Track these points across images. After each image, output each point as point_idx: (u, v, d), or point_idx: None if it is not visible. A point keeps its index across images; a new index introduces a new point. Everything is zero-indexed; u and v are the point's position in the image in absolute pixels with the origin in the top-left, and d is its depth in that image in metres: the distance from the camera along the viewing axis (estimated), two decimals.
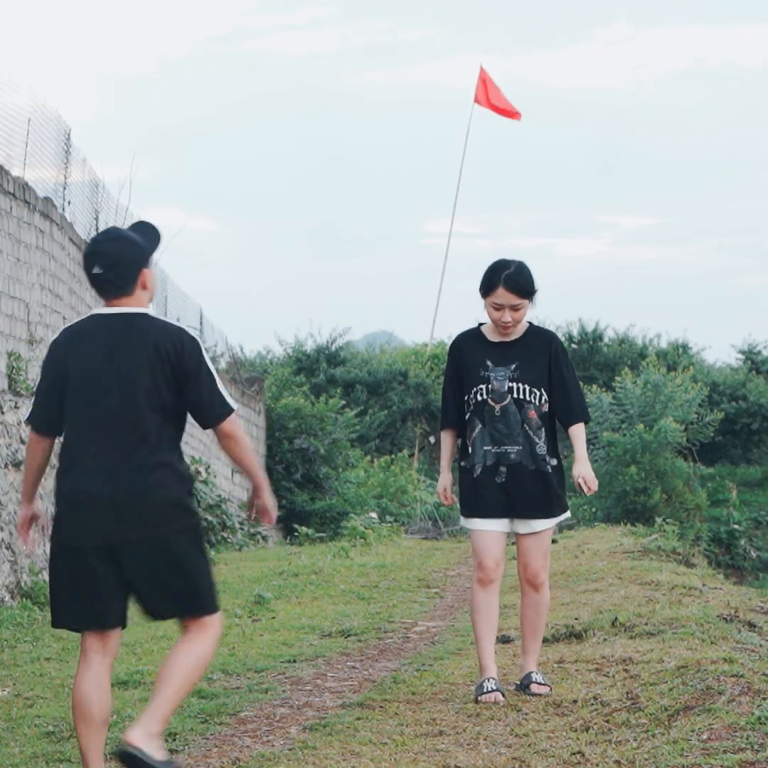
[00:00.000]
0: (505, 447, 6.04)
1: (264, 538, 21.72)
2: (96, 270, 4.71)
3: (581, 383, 6.32)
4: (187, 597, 4.61)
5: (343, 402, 29.54)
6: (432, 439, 33.44)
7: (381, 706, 5.91)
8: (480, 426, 6.08)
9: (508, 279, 6.03)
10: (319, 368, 36.90)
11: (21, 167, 12.95)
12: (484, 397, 6.06)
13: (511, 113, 30.79)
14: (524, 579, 6.15)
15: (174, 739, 5.43)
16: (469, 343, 6.20)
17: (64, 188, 15.26)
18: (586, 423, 6.22)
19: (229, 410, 4.69)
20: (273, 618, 9.27)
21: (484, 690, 5.94)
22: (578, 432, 6.13)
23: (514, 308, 6.05)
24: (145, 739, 4.45)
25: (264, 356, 39.86)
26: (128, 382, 4.62)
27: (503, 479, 6.04)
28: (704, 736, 4.87)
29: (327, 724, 5.57)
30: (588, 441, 34.91)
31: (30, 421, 4.79)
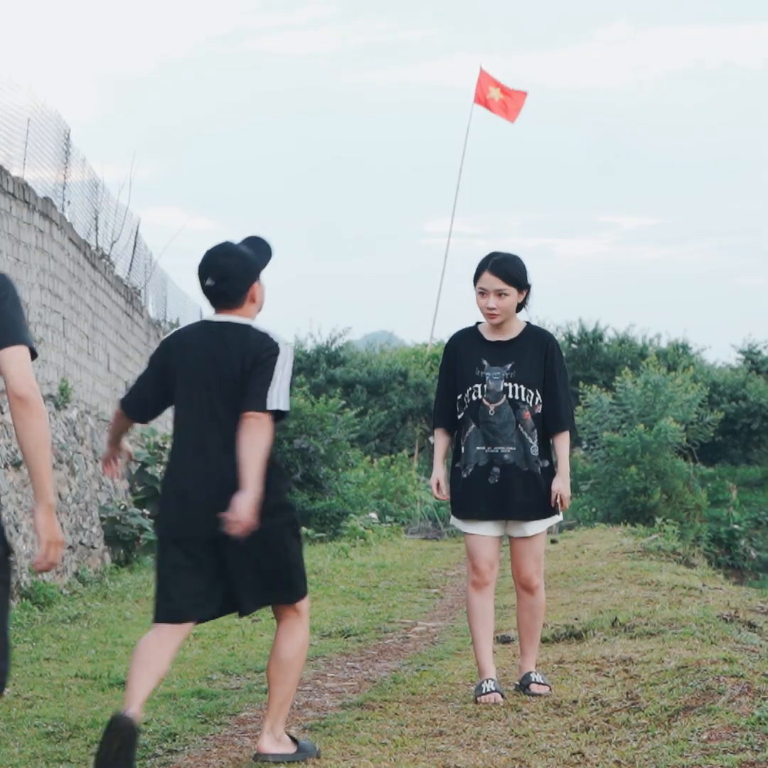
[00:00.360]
0: (499, 448, 6.01)
1: None
2: (208, 282, 5.03)
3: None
4: (285, 585, 4.99)
5: (343, 402, 29.54)
6: (432, 440, 33.48)
7: (381, 707, 5.90)
8: (473, 426, 6.05)
9: (494, 264, 6.02)
10: (319, 368, 36.92)
11: (21, 167, 12.94)
12: (479, 396, 6.03)
13: (515, 99, 30.61)
14: (518, 583, 6.14)
15: (174, 739, 5.43)
16: (466, 341, 6.16)
17: (64, 188, 15.25)
18: (571, 432, 6.20)
19: (262, 407, 4.83)
20: (273, 618, 9.25)
21: (484, 691, 5.93)
22: (563, 443, 6.08)
23: (499, 294, 5.99)
24: (276, 743, 4.98)
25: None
26: (227, 388, 4.92)
27: (496, 480, 6.00)
28: (704, 737, 4.86)
29: (327, 724, 5.56)
30: (588, 441, 34.57)
31: (121, 401, 5.17)
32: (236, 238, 5.20)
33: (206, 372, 4.97)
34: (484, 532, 6.05)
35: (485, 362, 6.04)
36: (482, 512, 6.02)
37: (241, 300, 5.06)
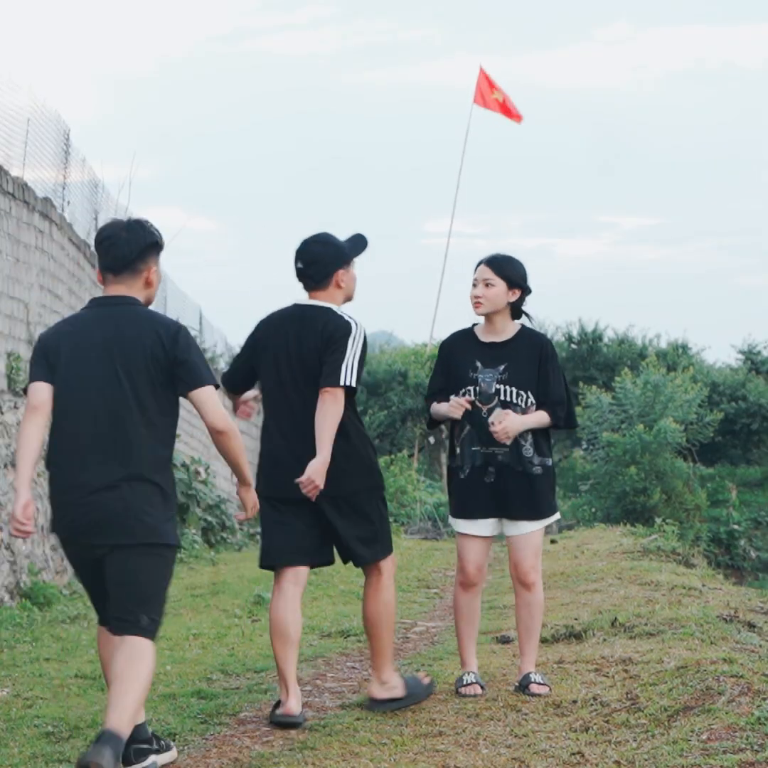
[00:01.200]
0: (493, 448, 6.02)
1: None
2: (299, 265, 5.72)
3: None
4: (368, 545, 5.65)
5: None
6: (432, 440, 33.42)
7: None
8: (468, 427, 6.08)
9: (490, 258, 6.12)
10: None
11: (20, 167, 12.95)
12: (472, 398, 6.06)
13: (512, 114, 30.68)
14: (516, 578, 6.16)
15: (174, 739, 5.43)
16: (460, 343, 6.20)
17: (64, 188, 15.26)
18: (568, 428, 6.16)
19: (336, 383, 5.47)
20: None
21: (464, 682, 6.06)
22: (542, 415, 6.01)
23: (486, 283, 6.06)
24: (382, 689, 5.73)
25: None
26: (305, 365, 5.57)
27: (492, 479, 6.04)
28: (704, 737, 4.86)
29: (327, 724, 5.56)
30: (588, 441, 34.30)
31: (222, 380, 5.73)
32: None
33: (288, 350, 5.60)
34: (479, 532, 6.09)
35: (478, 363, 6.06)
36: (481, 510, 6.06)
37: (326, 283, 5.68)
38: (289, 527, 5.63)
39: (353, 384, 5.51)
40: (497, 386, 6.02)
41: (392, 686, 5.72)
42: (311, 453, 5.46)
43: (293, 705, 5.59)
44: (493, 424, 5.95)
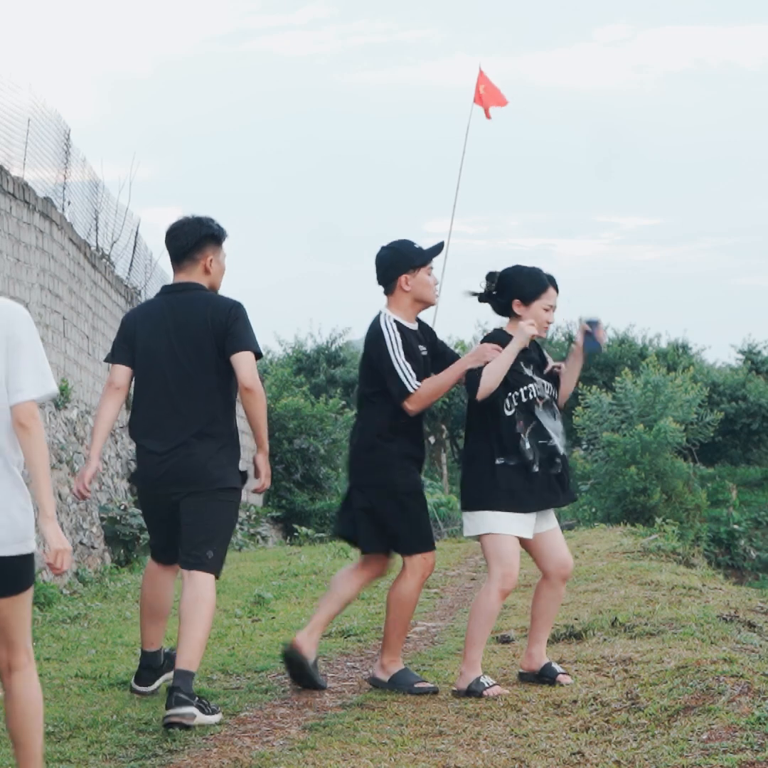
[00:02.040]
0: (552, 440, 6.17)
1: (264, 538, 21.73)
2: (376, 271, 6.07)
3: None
4: (395, 537, 6.12)
5: (343, 402, 29.57)
6: (432, 439, 33.41)
7: (381, 707, 5.90)
8: (532, 422, 6.16)
9: (553, 281, 6.21)
10: (319, 368, 36.94)
11: (21, 167, 12.95)
12: (534, 395, 6.16)
13: (494, 97, 30.42)
14: (558, 576, 6.25)
15: (174, 740, 5.43)
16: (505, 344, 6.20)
17: (64, 188, 15.26)
18: None
19: (406, 393, 5.87)
20: (273, 618, 9.27)
21: (488, 685, 6.02)
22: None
23: (554, 309, 6.22)
24: (380, 671, 6.15)
25: (264, 356, 39.83)
26: (363, 365, 6.03)
27: (558, 470, 6.18)
28: (704, 736, 4.86)
29: (327, 724, 5.56)
30: (588, 441, 34.33)
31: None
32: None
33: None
34: (527, 533, 6.11)
35: (522, 364, 6.19)
36: (545, 501, 6.15)
37: (390, 288, 6.01)
38: (351, 513, 6.18)
39: (413, 384, 5.92)
40: (543, 381, 6.22)
41: (389, 672, 6.11)
42: (353, 449, 6.08)
43: (301, 638, 6.25)
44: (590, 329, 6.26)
